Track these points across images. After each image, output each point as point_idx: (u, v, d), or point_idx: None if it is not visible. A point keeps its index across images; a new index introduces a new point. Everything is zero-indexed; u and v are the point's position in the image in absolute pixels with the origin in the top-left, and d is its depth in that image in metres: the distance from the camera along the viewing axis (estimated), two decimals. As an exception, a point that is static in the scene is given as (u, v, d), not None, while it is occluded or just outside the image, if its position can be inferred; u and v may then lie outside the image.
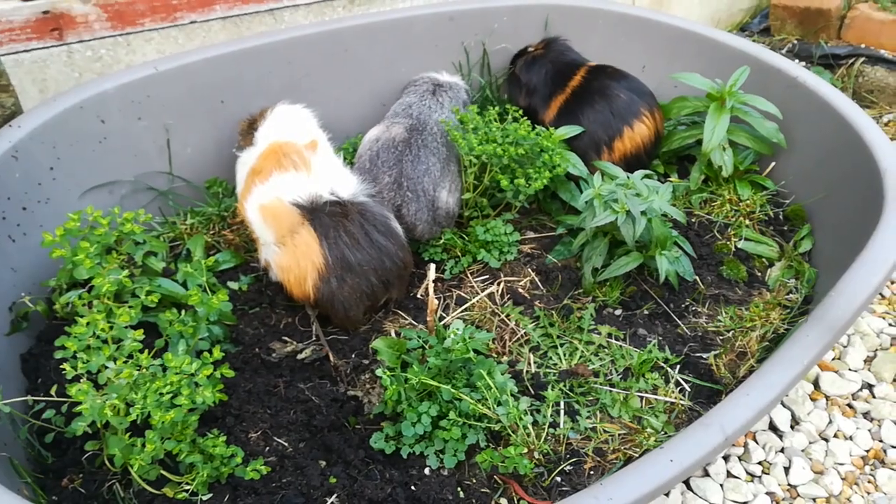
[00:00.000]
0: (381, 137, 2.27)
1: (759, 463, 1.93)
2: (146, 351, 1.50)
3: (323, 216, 1.92)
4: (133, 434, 1.48)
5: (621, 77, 2.51)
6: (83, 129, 2.12)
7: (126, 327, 1.54)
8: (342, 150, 2.59)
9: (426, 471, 1.66)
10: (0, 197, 1.87)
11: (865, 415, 2.09)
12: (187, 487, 1.50)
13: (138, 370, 1.45)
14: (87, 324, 1.49)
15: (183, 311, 1.72)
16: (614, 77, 2.51)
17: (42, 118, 2.02)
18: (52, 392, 1.57)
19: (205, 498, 1.51)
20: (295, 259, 1.91)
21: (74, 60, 2.47)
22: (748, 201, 2.42)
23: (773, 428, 2.03)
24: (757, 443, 1.98)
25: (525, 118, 2.27)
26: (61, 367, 1.46)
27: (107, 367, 1.45)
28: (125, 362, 1.46)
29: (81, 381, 1.43)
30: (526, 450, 1.62)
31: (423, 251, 2.30)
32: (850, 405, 2.10)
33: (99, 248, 1.69)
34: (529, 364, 1.93)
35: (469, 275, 2.23)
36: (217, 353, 1.53)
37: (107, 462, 1.55)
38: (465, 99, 2.53)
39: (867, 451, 1.98)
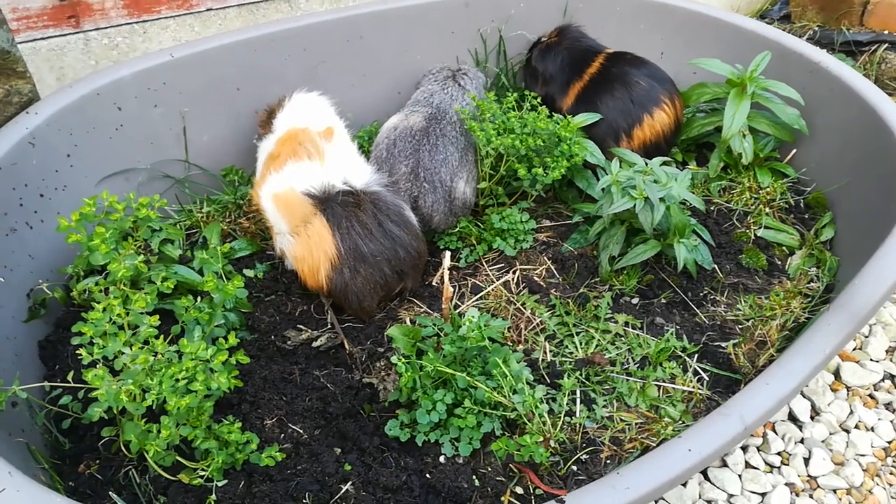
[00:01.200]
0: (400, 126, 2.25)
1: (779, 454, 1.91)
2: (162, 337, 1.50)
3: (336, 206, 1.91)
4: (149, 420, 1.48)
5: (641, 64, 2.48)
6: (100, 116, 2.12)
7: (142, 313, 1.54)
8: (357, 139, 2.58)
9: (441, 458, 1.65)
10: (17, 184, 1.88)
11: (888, 406, 2.05)
12: (202, 473, 1.50)
13: (154, 356, 1.45)
14: (104, 310, 1.49)
15: (199, 298, 1.73)
16: (634, 64, 2.48)
17: (59, 105, 2.02)
18: (69, 378, 1.58)
19: (220, 484, 1.50)
20: (308, 249, 1.91)
21: (91, 48, 2.47)
22: (768, 189, 2.39)
23: (792, 418, 2.00)
24: (776, 433, 1.96)
25: (543, 106, 2.24)
26: (77, 353, 1.46)
27: (123, 353, 1.45)
28: (141, 348, 1.47)
29: (97, 366, 1.43)
30: (541, 438, 1.61)
31: (438, 239, 2.29)
32: (871, 396, 2.07)
33: (115, 234, 1.69)
34: (545, 352, 1.92)
35: (484, 263, 2.22)
36: (232, 340, 1.53)
37: (123, 448, 1.56)
38: (481, 83, 2.51)
39: (889, 443, 1.95)
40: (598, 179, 2.29)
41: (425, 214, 2.17)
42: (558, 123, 2.18)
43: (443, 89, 2.37)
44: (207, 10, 2.63)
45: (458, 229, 2.27)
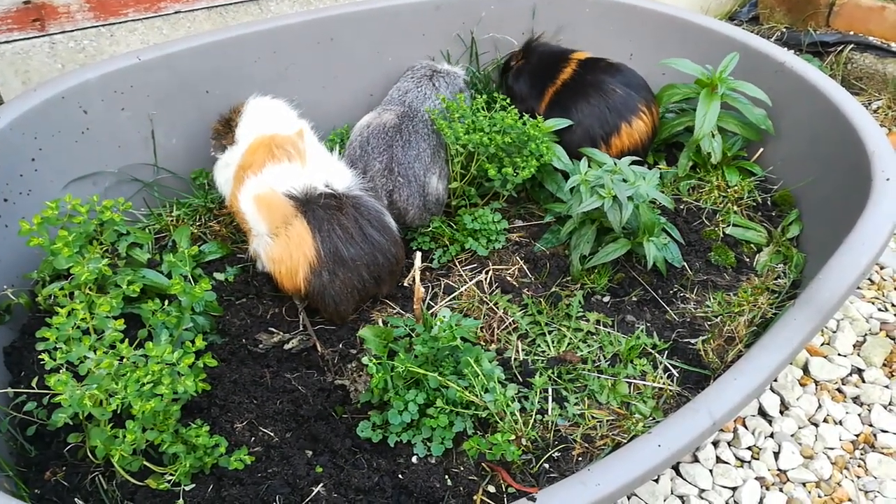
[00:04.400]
0: (372, 123, 2.26)
1: (749, 448, 1.93)
2: (127, 341, 1.48)
3: (317, 209, 1.90)
4: (115, 425, 1.46)
5: (616, 71, 2.49)
6: (65, 119, 2.09)
7: (107, 317, 1.52)
8: (329, 141, 2.58)
9: (413, 459, 1.64)
10: (-20, 188, 1.85)
11: (855, 399, 2.08)
12: (170, 478, 1.48)
13: (119, 360, 1.43)
14: (68, 314, 1.47)
15: (167, 302, 1.71)
16: (609, 71, 2.48)
17: (23, 108, 1.99)
18: (34, 384, 1.55)
19: (188, 488, 1.49)
20: (287, 251, 1.89)
21: (57, 51, 2.44)
22: (736, 187, 2.42)
23: (762, 413, 2.02)
24: (746, 428, 1.98)
25: (512, 107, 2.25)
26: (40, 357, 1.44)
27: (87, 358, 1.43)
28: (106, 352, 1.44)
29: (61, 371, 1.41)
30: (513, 437, 1.61)
31: (412, 239, 2.28)
32: (839, 390, 2.10)
33: (79, 238, 1.66)
34: (517, 351, 1.92)
35: (457, 263, 2.22)
36: (200, 343, 1.52)
37: (89, 454, 1.53)
38: (461, 86, 2.52)
39: (857, 436, 1.98)
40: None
41: (401, 208, 2.18)
42: (527, 123, 2.19)
43: (417, 87, 2.38)
44: (176, 12, 2.61)
45: (430, 229, 2.27)
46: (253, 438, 1.65)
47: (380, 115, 2.29)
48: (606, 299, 2.10)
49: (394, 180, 2.16)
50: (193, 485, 1.50)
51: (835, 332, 2.27)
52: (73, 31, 2.44)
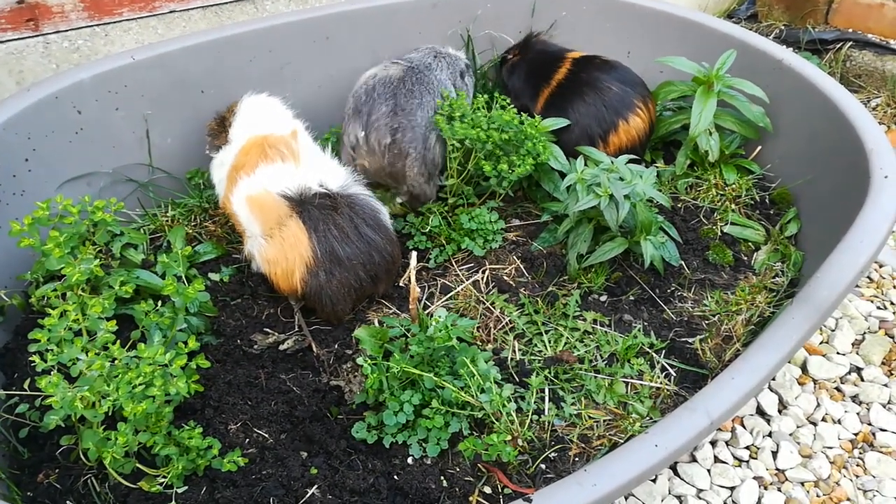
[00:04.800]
0: (378, 74, 2.31)
1: (747, 447, 1.92)
2: (118, 342, 1.47)
3: (312, 209, 1.89)
4: (108, 427, 1.45)
5: (611, 68, 2.47)
6: (59, 119, 2.08)
7: (100, 318, 1.51)
8: (325, 140, 2.56)
9: (409, 460, 1.63)
10: (-27, 189, 1.84)
11: (854, 398, 2.07)
12: (163, 480, 1.47)
13: (111, 362, 1.42)
14: (60, 315, 1.46)
15: (161, 303, 1.69)
16: (603, 69, 2.47)
17: (16, 108, 1.97)
18: (26, 386, 1.54)
19: (180, 491, 1.48)
20: (283, 252, 1.88)
21: (51, 51, 2.43)
22: (734, 185, 2.40)
23: (760, 412, 2.01)
24: (744, 427, 1.97)
25: (511, 106, 2.24)
26: (31, 359, 1.43)
27: (79, 360, 1.42)
28: (98, 354, 1.43)
29: (52, 373, 1.40)
30: (509, 437, 1.60)
31: (408, 237, 2.27)
32: (838, 389, 2.09)
33: (72, 238, 1.65)
34: (514, 351, 1.91)
35: (454, 263, 2.21)
36: (192, 344, 1.50)
37: (82, 456, 1.52)
38: (462, 69, 2.51)
39: (856, 435, 1.97)
40: (565, 181, 2.29)
41: (403, 149, 2.20)
42: (524, 122, 2.18)
43: (422, 58, 2.43)
44: (171, 11, 2.60)
45: (428, 228, 2.26)
46: (247, 440, 1.64)
47: (386, 68, 2.33)
48: (603, 298, 2.08)
49: (398, 121, 2.20)
50: (186, 487, 1.49)
51: (833, 330, 2.26)
52: (67, 30, 2.43)
